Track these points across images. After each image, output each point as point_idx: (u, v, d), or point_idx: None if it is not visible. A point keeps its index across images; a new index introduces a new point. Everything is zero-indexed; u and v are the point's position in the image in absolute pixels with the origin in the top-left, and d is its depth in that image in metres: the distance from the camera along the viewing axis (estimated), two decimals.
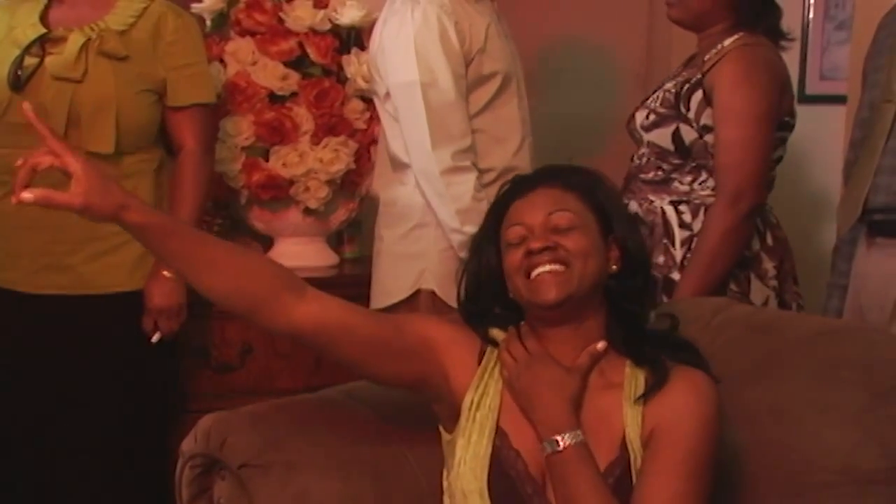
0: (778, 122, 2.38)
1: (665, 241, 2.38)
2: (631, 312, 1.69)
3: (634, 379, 1.65)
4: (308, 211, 2.85)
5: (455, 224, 2.47)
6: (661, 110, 2.41)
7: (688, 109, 2.37)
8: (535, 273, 1.63)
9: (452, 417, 1.68)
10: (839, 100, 2.99)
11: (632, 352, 1.67)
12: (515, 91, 2.61)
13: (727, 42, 2.38)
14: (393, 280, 2.61)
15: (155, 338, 2.41)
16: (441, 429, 1.72)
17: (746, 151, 2.32)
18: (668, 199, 2.40)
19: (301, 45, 2.80)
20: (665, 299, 2.30)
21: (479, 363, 1.70)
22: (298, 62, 2.80)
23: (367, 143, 2.85)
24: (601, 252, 1.68)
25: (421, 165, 2.50)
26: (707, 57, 2.40)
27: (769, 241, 2.41)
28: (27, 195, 1.48)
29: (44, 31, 2.37)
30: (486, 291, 1.74)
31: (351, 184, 2.87)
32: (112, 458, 2.38)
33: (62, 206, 1.50)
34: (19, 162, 1.52)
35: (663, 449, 1.57)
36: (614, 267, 1.69)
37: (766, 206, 2.42)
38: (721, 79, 2.34)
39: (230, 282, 1.58)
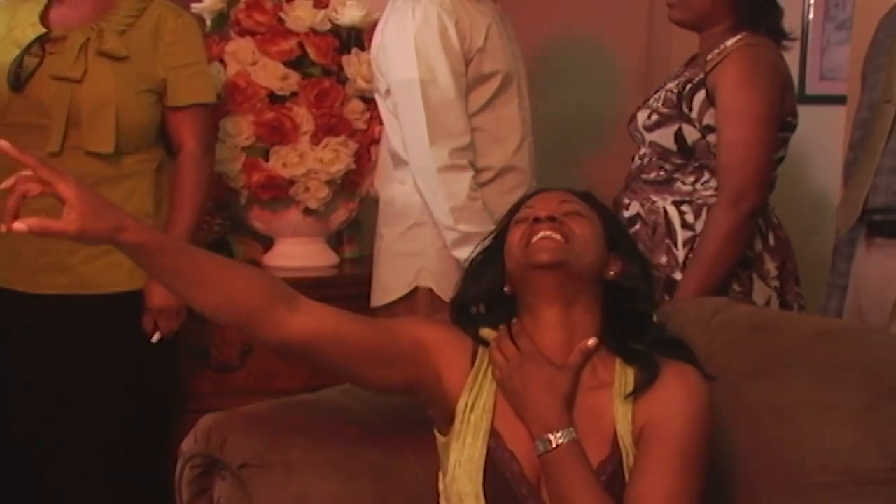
0: (780, 123, 2.38)
1: (667, 241, 2.38)
2: (627, 312, 1.69)
3: (624, 376, 1.65)
4: (308, 211, 2.85)
5: (449, 222, 2.47)
6: (664, 110, 2.41)
7: (690, 109, 2.37)
8: (535, 238, 1.64)
9: (447, 420, 1.68)
10: (839, 100, 2.98)
11: (622, 349, 1.67)
12: (516, 91, 2.61)
13: (730, 42, 2.38)
14: (391, 278, 2.62)
15: (155, 338, 2.42)
16: (436, 432, 1.72)
17: (749, 151, 2.32)
18: (670, 199, 2.40)
19: (301, 45, 2.80)
20: (667, 299, 2.31)
21: (473, 364, 1.69)
22: (298, 62, 2.80)
23: (367, 143, 2.86)
24: (602, 252, 1.69)
25: (418, 162, 2.51)
26: (709, 57, 2.40)
27: (771, 241, 2.41)
28: (19, 226, 1.43)
29: (44, 31, 2.37)
30: (482, 278, 1.74)
31: (351, 184, 2.87)
32: (112, 458, 2.38)
33: (57, 234, 1.46)
34: (6, 184, 1.48)
35: (655, 445, 1.57)
36: (612, 273, 1.70)
37: (768, 207, 2.42)
38: (724, 79, 2.34)
39: (223, 298, 1.57)
